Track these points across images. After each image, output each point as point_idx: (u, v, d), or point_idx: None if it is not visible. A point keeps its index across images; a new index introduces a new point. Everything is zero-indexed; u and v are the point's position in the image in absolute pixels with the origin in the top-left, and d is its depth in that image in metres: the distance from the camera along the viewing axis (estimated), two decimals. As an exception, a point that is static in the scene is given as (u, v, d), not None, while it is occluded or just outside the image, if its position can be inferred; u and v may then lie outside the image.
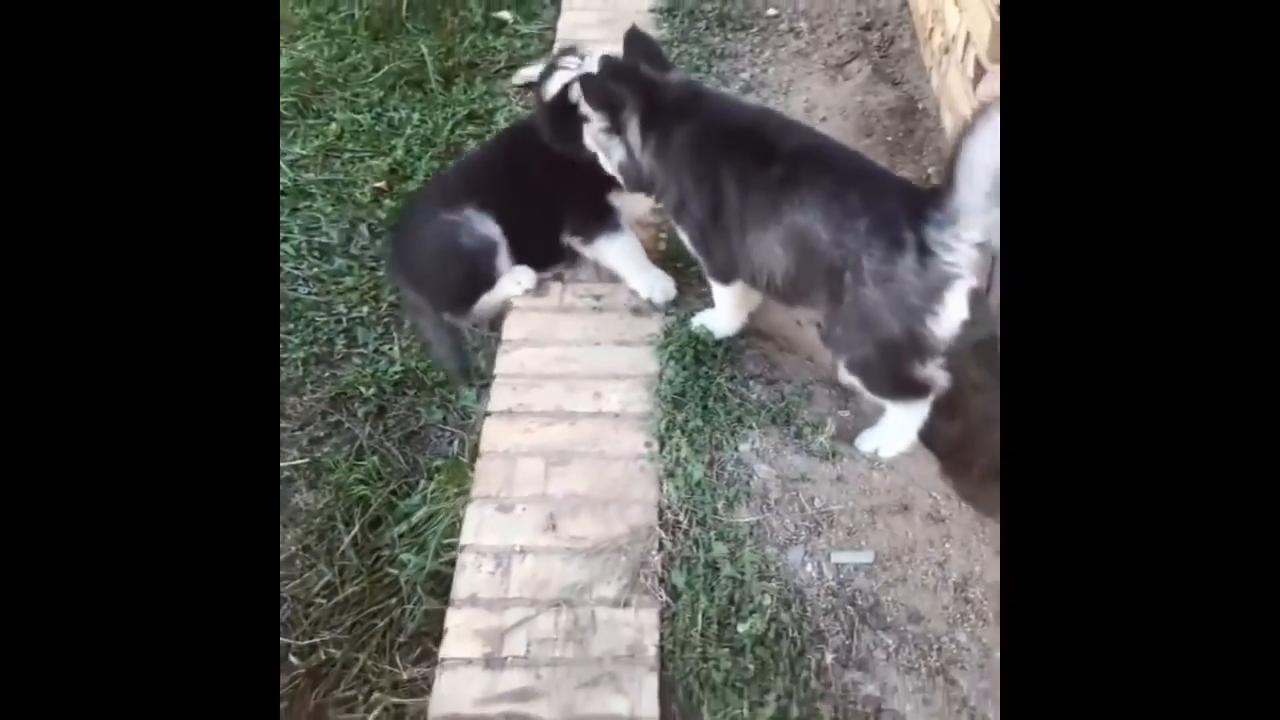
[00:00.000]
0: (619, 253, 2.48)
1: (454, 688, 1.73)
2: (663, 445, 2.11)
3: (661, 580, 1.89)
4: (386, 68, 4.01)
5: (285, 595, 2.43)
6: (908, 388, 2.06)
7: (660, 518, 1.98)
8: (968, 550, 2.01)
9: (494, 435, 2.14)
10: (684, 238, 2.30)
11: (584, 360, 2.29)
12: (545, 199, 2.47)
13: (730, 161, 2.11)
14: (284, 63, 4.04)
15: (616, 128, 2.22)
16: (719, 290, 2.31)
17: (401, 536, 2.45)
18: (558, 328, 2.37)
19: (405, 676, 2.19)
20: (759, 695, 1.75)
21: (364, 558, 2.50)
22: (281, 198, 3.44)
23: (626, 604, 1.85)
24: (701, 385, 2.23)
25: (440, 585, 2.12)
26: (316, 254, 3.23)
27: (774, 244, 2.05)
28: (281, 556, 2.50)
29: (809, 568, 1.95)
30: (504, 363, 2.30)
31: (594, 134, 2.27)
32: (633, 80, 2.18)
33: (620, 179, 2.31)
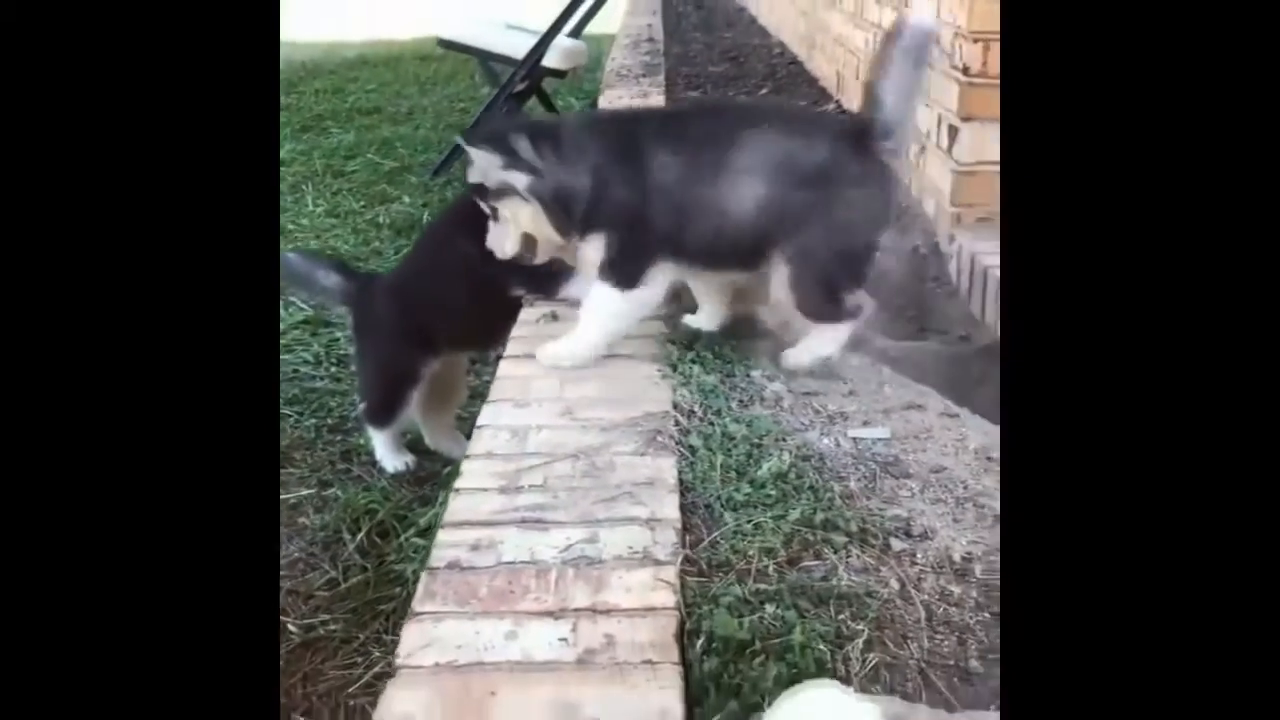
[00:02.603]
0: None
1: (468, 506, 1.68)
2: (675, 369, 2.15)
3: (678, 442, 1.87)
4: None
5: (283, 589, 2.35)
6: (845, 310, 2.15)
7: (675, 408, 1.99)
8: (985, 433, 1.99)
9: (507, 369, 2.18)
10: (595, 244, 2.12)
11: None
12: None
13: (652, 126, 2.16)
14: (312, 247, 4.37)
15: (510, 158, 2.08)
16: (614, 298, 2.13)
17: (417, 548, 2.40)
18: (568, 315, 2.45)
19: (409, 646, 2.08)
20: (783, 511, 1.69)
21: (369, 559, 2.44)
22: (305, 327, 3.62)
23: (644, 454, 1.83)
24: (709, 334, 2.30)
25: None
26: (334, 362, 3.37)
27: (733, 188, 2.05)
28: (281, 564, 2.44)
29: (826, 440, 1.93)
30: (517, 330, 2.37)
31: (494, 182, 2.11)
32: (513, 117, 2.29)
33: (545, 221, 2.11)
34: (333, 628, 2.20)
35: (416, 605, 1.44)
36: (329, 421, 3.04)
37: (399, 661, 1.34)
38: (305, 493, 2.67)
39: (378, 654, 2.11)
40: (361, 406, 2.80)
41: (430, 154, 5.77)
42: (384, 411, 2.70)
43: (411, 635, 1.38)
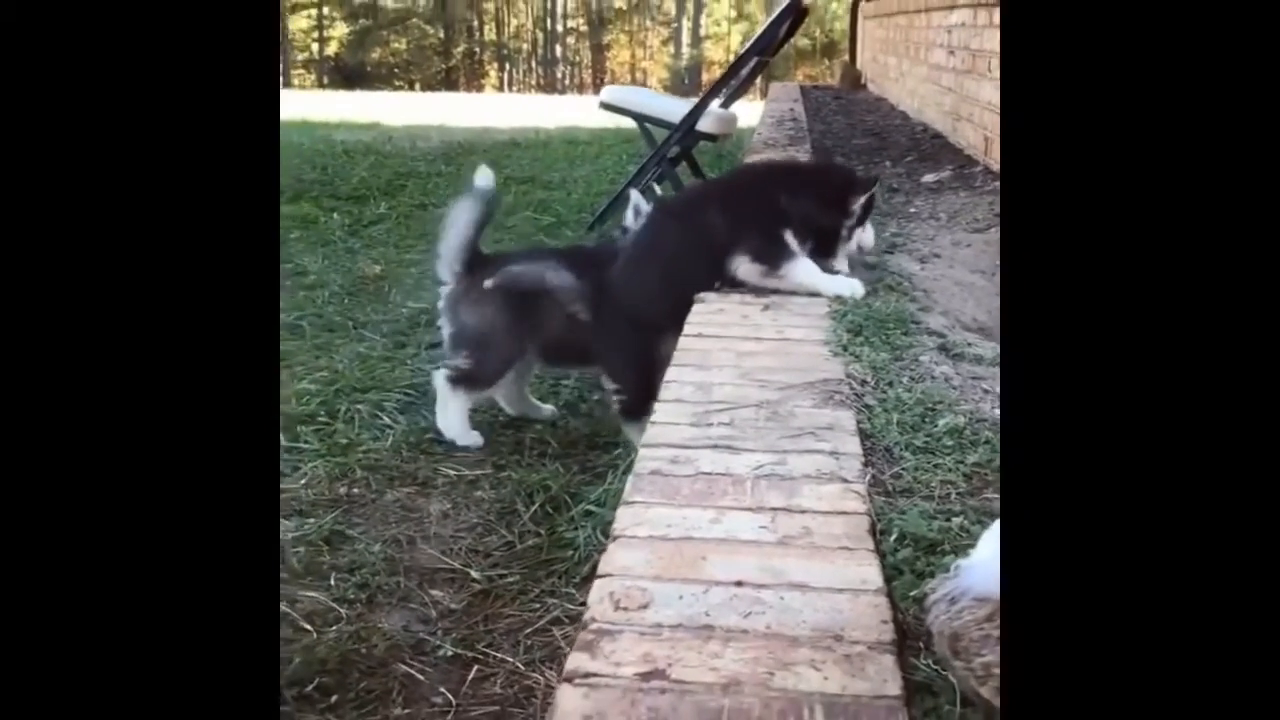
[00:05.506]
0: (807, 271, 2.72)
1: (664, 433, 1.81)
2: (846, 349, 2.26)
3: (854, 402, 1.98)
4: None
5: (463, 548, 2.50)
6: None
7: (849, 377, 2.10)
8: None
9: (687, 342, 2.32)
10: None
11: (764, 317, 2.51)
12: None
13: None
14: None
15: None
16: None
17: (589, 515, 2.53)
18: (738, 306, 2.60)
19: (581, 600, 2.20)
20: (961, 456, 1.78)
21: (542, 527, 2.58)
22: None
23: (822, 408, 1.94)
24: (876, 322, 2.41)
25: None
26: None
27: None
28: (460, 528, 2.60)
29: (997, 411, 2.01)
30: (690, 318, 2.52)
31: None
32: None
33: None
34: (510, 580, 2.34)
35: (626, 497, 1.57)
36: (500, 418, 3.22)
37: (615, 533, 1.46)
38: (482, 472, 2.83)
39: (552, 603, 2.23)
40: (618, 406, 2.92)
41: (583, 213, 6.06)
42: (642, 403, 2.76)
43: (625, 517, 1.51)
